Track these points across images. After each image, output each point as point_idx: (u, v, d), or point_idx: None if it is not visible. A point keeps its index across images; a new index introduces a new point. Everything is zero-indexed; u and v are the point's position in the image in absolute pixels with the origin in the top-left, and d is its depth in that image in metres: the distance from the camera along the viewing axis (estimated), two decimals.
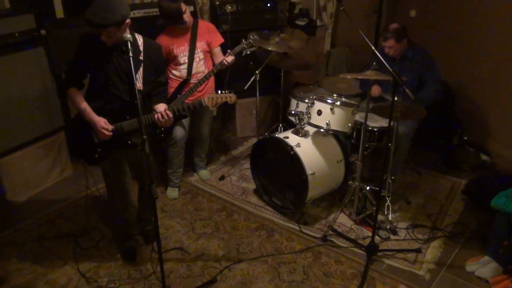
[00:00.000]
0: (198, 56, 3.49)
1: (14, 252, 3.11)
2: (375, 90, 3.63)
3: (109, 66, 2.57)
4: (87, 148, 2.72)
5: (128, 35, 2.39)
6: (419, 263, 3.01)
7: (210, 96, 2.72)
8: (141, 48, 2.64)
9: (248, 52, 3.49)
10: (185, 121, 3.58)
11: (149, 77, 2.68)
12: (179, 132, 3.54)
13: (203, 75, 3.48)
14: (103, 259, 3.05)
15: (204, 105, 2.73)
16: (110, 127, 2.61)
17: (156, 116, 2.65)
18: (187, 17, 3.34)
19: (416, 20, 4.94)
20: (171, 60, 3.47)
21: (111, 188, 2.94)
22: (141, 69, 2.62)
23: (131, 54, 2.35)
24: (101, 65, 2.57)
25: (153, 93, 2.78)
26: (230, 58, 3.36)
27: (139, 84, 2.61)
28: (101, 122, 2.59)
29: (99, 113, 2.61)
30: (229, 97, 2.75)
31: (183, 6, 3.28)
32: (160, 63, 2.81)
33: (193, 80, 3.50)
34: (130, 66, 2.34)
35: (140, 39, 2.65)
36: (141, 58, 2.62)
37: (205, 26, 3.55)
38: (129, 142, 2.71)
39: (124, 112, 2.65)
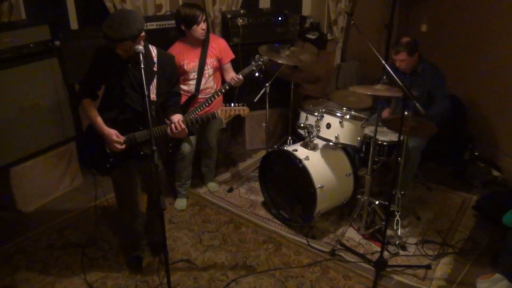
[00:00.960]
0: (207, 72, 3.49)
1: (23, 261, 3.12)
2: (386, 113, 3.63)
3: (124, 78, 2.60)
4: (99, 158, 2.74)
5: (140, 47, 2.42)
6: (429, 279, 2.97)
7: (224, 108, 2.72)
8: (155, 59, 2.67)
9: (257, 75, 3.48)
10: (193, 136, 3.59)
11: (163, 88, 2.70)
12: (187, 147, 3.56)
13: (212, 90, 3.51)
14: (111, 269, 3.05)
15: (217, 117, 2.74)
16: (122, 138, 2.62)
17: (169, 128, 2.67)
18: (200, 29, 3.33)
19: (427, 34, 4.94)
20: (181, 74, 3.48)
21: (121, 198, 2.95)
22: (155, 80, 2.65)
23: (142, 66, 2.38)
24: (116, 76, 2.60)
25: (168, 104, 2.81)
26: (236, 79, 3.38)
27: (153, 95, 2.64)
28: (113, 135, 2.60)
29: (112, 123, 2.63)
30: (242, 110, 2.75)
31: (201, 18, 3.29)
32: (173, 74, 2.83)
33: (201, 96, 3.51)
34: (144, 78, 2.36)
35: (154, 51, 2.69)
36: (155, 69, 2.65)
37: (216, 42, 3.54)
38: (142, 152, 2.72)
39: (137, 123, 2.66)
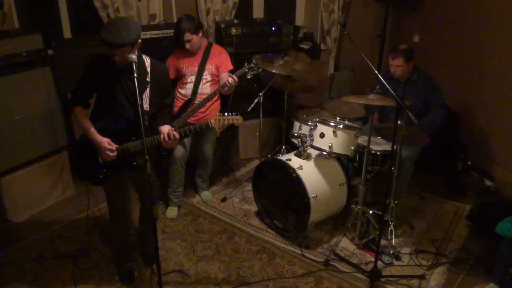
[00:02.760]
0: (205, 78, 3.54)
1: (13, 272, 3.07)
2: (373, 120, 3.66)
3: (117, 87, 2.59)
4: (92, 168, 2.71)
5: (134, 56, 2.40)
6: None
7: (217, 118, 2.72)
8: (149, 69, 2.66)
9: (249, 77, 3.52)
10: (186, 141, 3.59)
11: (155, 98, 2.69)
12: (179, 151, 3.55)
13: (207, 96, 3.51)
14: (102, 280, 3.01)
15: (211, 127, 2.73)
16: (114, 146, 2.60)
17: (162, 137, 2.65)
18: (189, 45, 3.43)
19: (419, 45, 4.98)
20: (179, 78, 3.52)
21: (113, 209, 2.92)
22: (148, 90, 2.64)
23: (135, 75, 2.36)
24: (109, 85, 2.59)
25: (158, 114, 2.79)
26: (231, 80, 3.40)
27: (146, 105, 2.62)
28: (105, 142, 2.58)
29: (105, 133, 2.61)
30: (236, 119, 2.75)
31: (188, 36, 3.38)
32: (166, 84, 2.83)
33: (197, 101, 3.53)
34: (137, 87, 2.35)
35: (147, 61, 2.68)
36: (148, 79, 2.64)
37: (218, 50, 3.64)
38: (134, 162, 2.70)
39: (130, 133, 2.65)
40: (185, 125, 2.80)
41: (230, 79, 3.41)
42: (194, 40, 3.42)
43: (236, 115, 2.76)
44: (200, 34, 3.47)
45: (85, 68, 2.63)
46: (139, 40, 2.49)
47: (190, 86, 3.53)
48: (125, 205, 2.88)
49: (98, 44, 2.46)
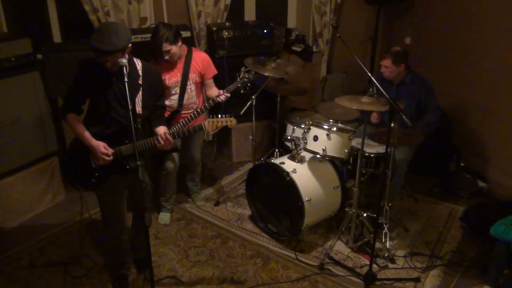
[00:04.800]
0: (190, 88, 3.44)
1: (3, 281, 3.02)
2: (374, 118, 3.65)
3: (109, 91, 2.57)
4: (84, 173, 2.69)
5: (124, 60, 2.39)
6: None
7: (211, 120, 2.70)
8: (140, 72, 2.64)
9: (242, 91, 3.42)
10: (175, 153, 3.53)
11: (148, 101, 2.68)
12: (170, 164, 3.51)
13: (194, 106, 3.48)
14: None
15: (205, 129, 2.72)
16: (111, 150, 2.59)
17: (156, 140, 2.65)
18: (168, 56, 3.23)
19: (411, 47, 4.99)
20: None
21: (106, 214, 2.89)
22: (140, 93, 2.62)
23: (126, 79, 2.33)
24: (101, 90, 2.57)
25: (153, 116, 2.78)
26: (223, 97, 3.32)
27: (138, 108, 2.61)
28: (101, 147, 2.56)
29: (98, 137, 2.60)
30: (230, 121, 2.74)
31: (167, 46, 3.18)
32: (159, 87, 2.82)
33: (184, 111, 3.47)
34: (129, 91, 2.33)
35: (139, 64, 2.66)
36: (140, 82, 2.63)
37: (199, 57, 3.47)
38: (127, 166, 2.68)
39: (123, 136, 2.63)
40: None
41: (222, 97, 3.31)
42: (173, 50, 3.22)
43: (230, 116, 2.74)
44: (179, 43, 3.27)
45: (76, 74, 2.60)
46: (130, 44, 2.47)
47: (175, 98, 3.42)
48: (118, 210, 2.84)
49: (88, 48, 2.44)
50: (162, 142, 2.65)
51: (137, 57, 2.71)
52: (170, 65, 3.36)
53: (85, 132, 2.59)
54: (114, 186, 2.75)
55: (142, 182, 2.21)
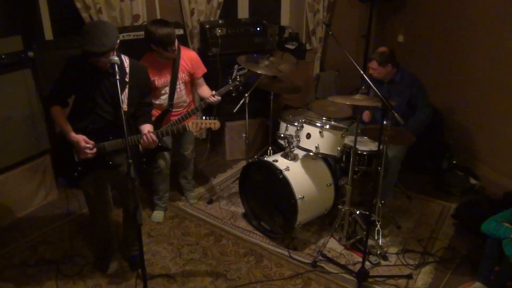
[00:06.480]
0: (179, 87, 3.41)
1: None
2: (366, 116, 3.66)
3: (95, 88, 2.57)
4: (67, 166, 2.72)
5: (116, 58, 2.39)
6: None
7: (194, 121, 2.71)
8: (127, 69, 2.64)
9: (234, 94, 3.40)
10: (167, 152, 3.52)
11: (134, 98, 2.68)
12: (162, 162, 3.51)
13: (185, 104, 3.46)
14: (87, 287, 2.96)
15: (188, 130, 2.74)
16: (91, 143, 2.60)
17: (143, 137, 2.67)
18: (172, 49, 3.19)
19: (404, 45, 5.01)
20: (153, 90, 3.39)
21: (92, 207, 2.96)
22: (126, 90, 2.63)
23: (118, 77, 2.34)
24: (87, 87, 2.58)
25: (138, 113, 2.79)
26: (215, 99, 3.29)
27: (124, 106, 2.61)
28: (81, 141, 2.58)
29: (83, 132, 2.61)
30: (213, 123, 2.75)
31: (176, 44, 3.17)
32: (146, 84, 2.82)
33: (175, 109, 3.45)
34: (116, 88, 2.34)
35: (126, 61, 2.66)
36: (127, 79, 2.63)
37: (187, 56, 3.42)
38: (110, 162, 2.70)
39: (107, 132, 2.65)
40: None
41: (212, 98, 3.29)
42: (176, 47, 3.25)
43: (214, 119, 2.75)
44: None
45: (64, 69, 2.61)
46: (118, 41, 2.49)
47: (165, 98, 3.39)
48: (101, 203, 2.91)
49: (79, 46, 2.45)
50: (146, 141, 2.67)
51: (130, 54, 2.70)
52: (160, 66, 3.30)
53: (67, 126, 2.61)
54: (97, 180, 2.79)
55: (134, 180, 2.21)
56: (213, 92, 3.32)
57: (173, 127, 2.79)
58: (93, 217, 3.03)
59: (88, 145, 2.58)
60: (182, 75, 3.39)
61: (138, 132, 2.75)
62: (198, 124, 2.71)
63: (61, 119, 2.63)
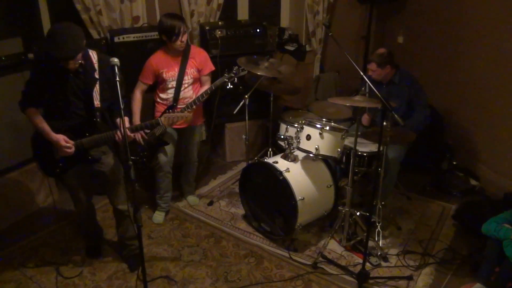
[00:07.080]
0: (187, 82, 3.45)
1: None
2: (365, 120, 3.66)
3: (66, 87, 2.61)
4: (48, 164, 2.76)
5: (116, 59, 2.38)
6: None
7: (167, 115, 2.75)
8: (96, 66, 2.66)
9: (229, 87, 3.41)
10: (168, 147, 3.53)
11: (107, 93, 2.70)
12: (162, 157, 3.51)
13: (190, 100, 3.46)
14: None
15: (161, 124, 2.78)
16: (71, 142, 2.63)
17: (116, 134, 2.71)
18: (179, 41, 3.29)
19: (404, 46, 5.01)
20: (160, 83, 3.45)
21: (74, 196, 3.00)
22: (97, 86, 2.66)
23: (117, 78, 2.36)
24: (58, 86, 2.61)
25: (114, 106, 2.80)
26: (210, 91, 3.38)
27: (96, 102, 2.65)
28: (61, 140, 2.61)
29: (59, 131, 2.64)
30: (185, 116, 2.80)
31: (181, 29, 3.25)
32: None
33: (180, 105, 3.47)
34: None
35: (95, 57, 2.68)
36: (96, 76, 2.65)
37: (197, 52, 3.51)
38: (89, 157, 2.76)
39: (84, 129, 2.69)
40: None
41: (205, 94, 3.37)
42: (185, 37, 3.34)
43: (185, 111, 2.81)
44: None
45: (32, 73, 2.66)
46: (84, 41, 2.52)
47: (171, 92, 3.44)
48: (82, 193, 2.96)
49: (46, 51, 2.51)
50: (120, 136, 2.69)
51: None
52: (170, 58, 3.40)
53: (45, 126, 2.63)
54: (78, 173, 2.84)
55: (134, 182, 2.21)
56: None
57: (147, 122, 2.83)
58: (78, 206, 3.04)
59: (67, 145, 2.62)
60: (190, 71, 3.45)
61: (116, 126, 2.78)
62: (171, 118, 2.75)
63: (38, 119, 2.65)
